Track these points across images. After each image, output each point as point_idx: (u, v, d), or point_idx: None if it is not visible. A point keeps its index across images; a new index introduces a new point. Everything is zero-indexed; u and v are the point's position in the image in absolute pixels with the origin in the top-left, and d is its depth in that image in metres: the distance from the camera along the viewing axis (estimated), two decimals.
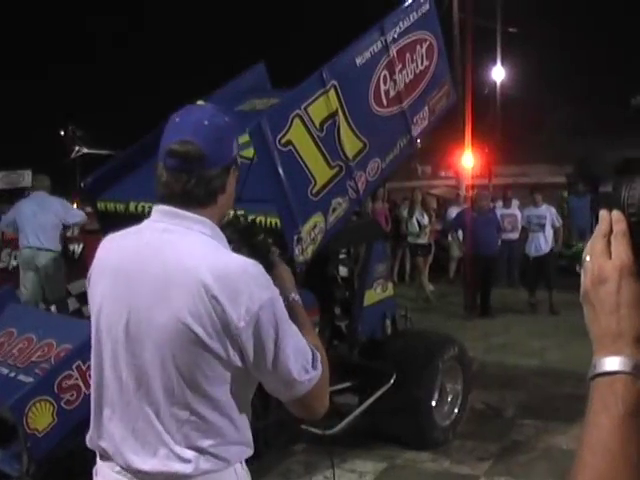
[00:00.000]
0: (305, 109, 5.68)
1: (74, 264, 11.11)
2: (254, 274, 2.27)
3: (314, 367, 2.33)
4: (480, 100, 35.60)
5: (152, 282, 2.30)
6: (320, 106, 5.84)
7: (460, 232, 14.51)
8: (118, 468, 2.42)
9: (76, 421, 4.90)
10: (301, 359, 2.31)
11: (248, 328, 2.21)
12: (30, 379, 4.95)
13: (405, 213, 15.80)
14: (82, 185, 6.97)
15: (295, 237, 5.51)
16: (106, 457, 2.47)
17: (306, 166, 5.65)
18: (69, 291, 11.49)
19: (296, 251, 5.52)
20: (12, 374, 5.13)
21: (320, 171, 5.79)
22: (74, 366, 4.86)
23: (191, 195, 2.35)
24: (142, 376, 2.34)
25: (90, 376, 4.78)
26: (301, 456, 6.73)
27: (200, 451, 2.31)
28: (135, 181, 6.64)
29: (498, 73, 35.05)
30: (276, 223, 5.57)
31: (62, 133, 43.59)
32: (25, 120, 42.51)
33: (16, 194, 18.93)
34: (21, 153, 35.87)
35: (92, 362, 2.54)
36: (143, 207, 6.27)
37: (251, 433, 2.43)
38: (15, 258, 11.48)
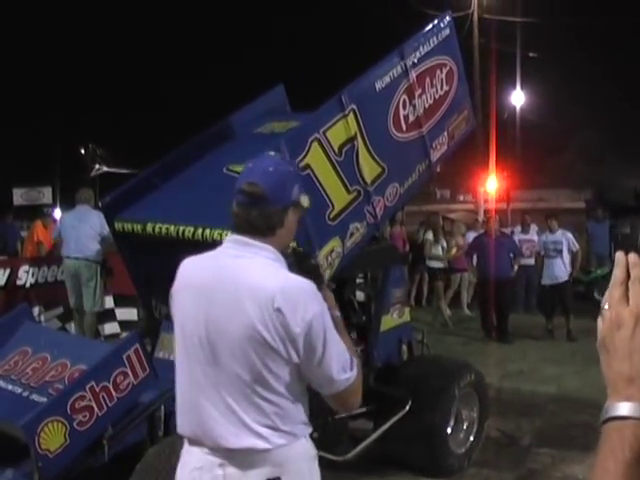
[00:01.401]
0: (324, 133, 5.67)
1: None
2: (308, 290, 2.83)
3: (351, 369, 2.89)
4: (500, 124, 35.64)
5: (227, 298, 2.87)
6: (339, 130, 5.83)
7: (475, 257, 14.46)
8: (206, 449, 2.95)
9: (88, 442, 4.91)
10: (342, 361, 2.87)
11: (302, 333, 2.77)
12: (43, 399, 4.96)
13: (429, 236, 15.72)
14: (100, 205, 6.98)
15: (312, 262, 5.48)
16: (195, 441, 3.00)
17: (324, 190, 5.63)
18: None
19: None
20: (25, 393, 5.14)
21: (338, 196, 5.77)
22: (87, 387, 4.86)
23: (253, 225, 2.91)
24: (223, 373, 2.90)
25: (103, 397, 4.81)
26: None
27: (273, 429, 2.88)
28: (153, 202, 6.65)
29: (518, 98, 35.10)
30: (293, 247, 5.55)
31: (82, 151, 43.88)
32: (46, 137, 42.79)
33: (36, 210, 19.08)
34: (41, 170, 36.13)
35: (180, 363, 3.09)
36: (160, 228, 6.26)
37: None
38: (33, 275, 11.54)
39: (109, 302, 11.87)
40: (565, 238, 13.69)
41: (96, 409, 4.88)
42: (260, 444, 2.87)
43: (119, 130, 43.55)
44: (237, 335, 2.83)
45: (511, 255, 13.92)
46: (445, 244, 15.46)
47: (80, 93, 46.57)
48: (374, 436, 6.47)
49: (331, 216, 5.69)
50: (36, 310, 10.96)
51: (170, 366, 5.71)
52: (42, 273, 11.66)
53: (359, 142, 5.98)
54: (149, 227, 6.36)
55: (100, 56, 48.17)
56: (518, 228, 16.69)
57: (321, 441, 6.21)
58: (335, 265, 5.70)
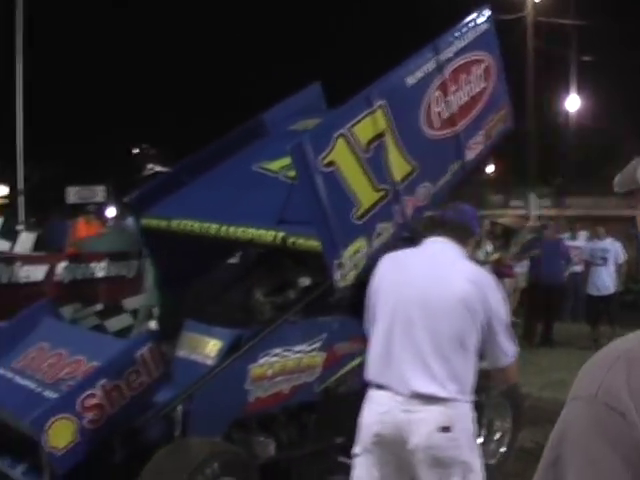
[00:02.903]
0: (350, 129, 5.46)
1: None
2: (492, 279, 3.90)
3: (514, 349, 3.85)
4: (554, 130, 35.11)
5: (436, 276, 3.81)
6: (366, 126, 5.61)
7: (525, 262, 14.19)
8: (393, 394, 3.69)
9: (99, 441, 4.79)
10: (510, 340, 3.81)
11: (483, 308, 3.69)
12: (55, 396, 4.86)
13: None
14: (126, 201, 6.88)
15: (336, 262, 5.29)
16: (383, 386, 3.75)
17: (350, 188, 5.42)
18: (123, 307, 11.53)
19: (336, 276, 5.32)
20: (38, 389, 5.06)
21: (365, 194, 5.57)
22: (99, 385, 4.74)
23: (453, 236, 3.98)
24: (425, 330, 3.70)
25: (114, 396, 4.68)
26: None
27: (453, 383, 3.66)
28: (180, 199, 6.54)
29: (572, 102, 34.53)
30: (316, 246, 5.37)
31: (135, 151, 44.26)
32: (100, 137, 43.25)
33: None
34: (96, 169, 36.40)
35: (379, 323, 3.89)
36: (185, 225, 6.15)
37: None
38: (71, 272, 11.49)
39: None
40: (614, 247, 13.30)
41: (107, 407, 4.77)
42: (441, 392, 3.62)
43: (173, 130, 43.79)
44: (449, 300, 3.69)
45: (562, 262, 13.67)
46: (489, 248, 15.14)
47: (136, 92, 46.92)
48: None
49: (357, 215, 5.49)
50: (72, 307, 10.95)
51: (190, 365, 5.63)
52: (81, 270, 11.60)
53: (388, 139, 5.75)
54: (174, 224, 6.25)
55: (157, 58, 48.52)
56: (567, 235, 16.36)
57: (347, 447, 6.08)
58: (360, 266, 5.50)
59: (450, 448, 3.64)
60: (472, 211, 4.33)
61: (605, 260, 13.10)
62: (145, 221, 6.53)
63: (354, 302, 6.22)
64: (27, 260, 11.12)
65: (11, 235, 14.81)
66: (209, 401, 5.38)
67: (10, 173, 24.54)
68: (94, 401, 4.71)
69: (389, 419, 3.68)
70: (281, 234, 5.60)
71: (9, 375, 5.33)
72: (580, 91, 34.39)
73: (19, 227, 16.43)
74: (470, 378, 3.76)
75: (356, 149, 5.50)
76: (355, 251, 5.45)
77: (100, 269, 11.59)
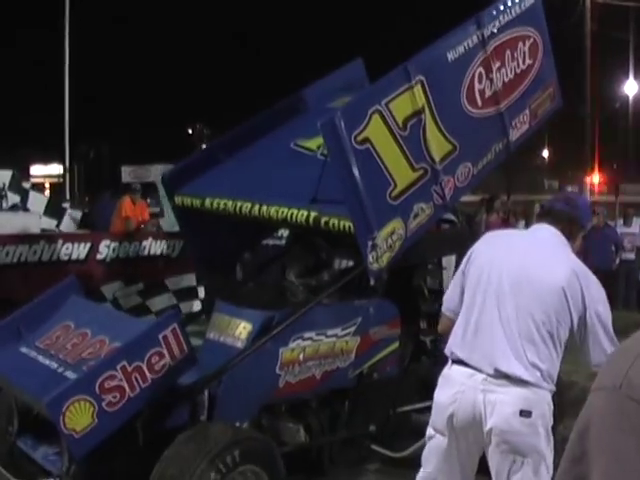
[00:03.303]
0: (386, 105, 5.20)
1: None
2: (594, 276, 3.75)
3: None
4: (611, 115, 34.44)
5: (540, 259, 3.75)
6: (404, 102, 5.36)
7: None
8: (472, 372, 3.62)
9: (119, 424, 4.65)
10: (612, 342, 3.54)
11: (584, 303, 3.59)
12: (75, 376, 4.73)
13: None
14: (161, 178, 6.74)
15: (369, 243, 5.08)
16: (462, 362, 3.68)
17: (385, 167, 5.19)
18: (167, 286, 11.47)
19: (370, 258, 5.11)
20: (60, 369, 4.95)
21: (401, 173, 5.33)
22: (119, 367, 4.58)
23: (560, 228, 3.89)
24: (520, 311, 3.63)
25: (135, 378, 4.53)
26: (372, 476, 6.30)
27: (539, 369, 3.57)
28: (215, 177, 6.39)
29: (630, 87, 33.79)
30: (350, 227, 5.16)
31: (190, 131, 44.52)
32: (155, 118, 43.53)
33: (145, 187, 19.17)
34: (150, 149, 36.66)
35: (472, 300, 3.80)
36: (219, 204, 6.00)
37: None
38: (114, 250, 11.44)
39: (192, 280, 11.71)
40: None
41: (128, 390, 4.61)
42: (526, 375, 3.54)
43: (225, 110, 43.89)
44: (549, 286, 3.60)
45: (613, 248, 13.31)
46: None
47: (189, 73, 47.08)
48: None
49: (392, 195, 5.25)
50: (115, 285, 10.90)
51: (219, 348, 5.48)
52: (124, 248, 11.54)
53: (427, 116, 5.49)
54: (207, 202, 6.10)
55: (217, 35, 48.56)
56: (620, 221, 15.98)
57: (380, 435, 5.91)
58: (396, 247, 5.28)
59: (527, 434, 3.56)
60: (584, 203, 4.28)
61: None
62: (178, 199, 6.39)
63: (391, 285, 6.04)
64: (69, 238, 11.11)
65: (58, 213, 14.90)
66: (237, 385, 5.24)
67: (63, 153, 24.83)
68: (114, 383, 4.54)
69: (465, 399, 3.61)
70: (314, 214, 5.41)
71: (32, 354, 5.23)
72: (638, 76, 33.63)
73: (64, 205, 16.45)
74: (555, 368, 3.67)
75: (392, 126, 5.26)
76: (390, 232, 5.23)
77: (143, 248, 11.54)
